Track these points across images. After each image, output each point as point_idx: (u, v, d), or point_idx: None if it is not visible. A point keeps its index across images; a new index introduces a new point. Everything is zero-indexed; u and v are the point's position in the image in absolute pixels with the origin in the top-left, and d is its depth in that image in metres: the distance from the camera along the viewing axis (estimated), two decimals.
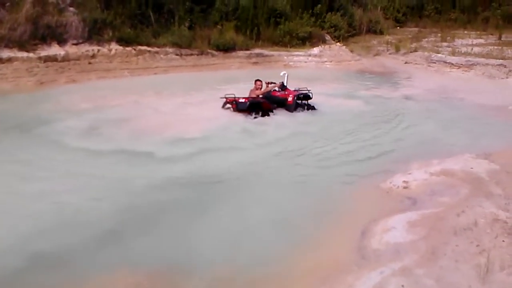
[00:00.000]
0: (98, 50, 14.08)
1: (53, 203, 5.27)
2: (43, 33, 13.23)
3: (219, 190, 5.84)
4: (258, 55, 17.73)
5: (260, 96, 9.71)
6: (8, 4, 13.25)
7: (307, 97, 10.22)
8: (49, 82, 12.25)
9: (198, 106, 10.21)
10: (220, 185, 6.02)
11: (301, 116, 9.72)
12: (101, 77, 13.43)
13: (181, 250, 4.43)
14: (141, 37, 15.33)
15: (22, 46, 12.59)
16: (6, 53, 12.09)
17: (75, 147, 7.15)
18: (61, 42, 13.60)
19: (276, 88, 10.14)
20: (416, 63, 17.64)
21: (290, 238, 4.65)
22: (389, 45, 20.43)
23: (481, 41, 19.56)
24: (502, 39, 19.27)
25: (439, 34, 21.80)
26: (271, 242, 4.58)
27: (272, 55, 18.01)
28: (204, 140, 7.77)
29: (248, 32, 18.30)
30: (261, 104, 9.54)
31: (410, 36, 22.57)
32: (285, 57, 18.13)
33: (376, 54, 19.97)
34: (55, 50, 13.20)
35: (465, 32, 22.31)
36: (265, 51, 18.06)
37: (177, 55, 15.83)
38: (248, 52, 17.61)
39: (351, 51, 19.94)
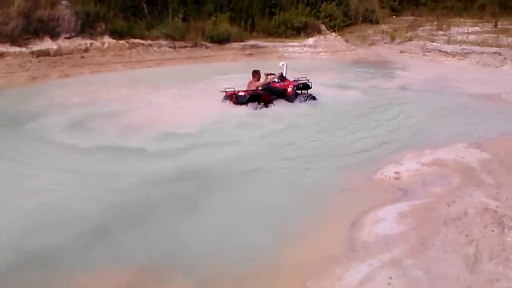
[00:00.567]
0: (91, 44, 14.00)
1: (42, 199, 5.23)
2: (35, 27, 13.13)
3: (211, 185, 5.79)
4: (252, 46, 17.64)
5: (260, 87, 9.65)
6: None
7: (306, 86, 10.17)
8: (41, 77, 12.18)
9: (192, 99, 10.17)
10: (212, 180, 5.96)
11: (297, 107, 9.64)
12: (94, 71, 13.36)
13: (171, 247, 4.40)
14: (134, 29, 15.24)
15: (14, 41, 12.49)
16: None
17: (66, 143, 7.09)
18: (54, 36, 13.51)
19: (276, 79, 10.05)
20: (411, 52, 17.59)
21: (281, 232, 4.63)
22: (384, 35, 20.34)
23: (477, 29, 19.50)
24: (498, 26, 19.22)
25: (435, 23, 21.73)
26: (261, 236, 4.55)
27: (267, 46, 17.93)
28: (198, 134, 7.71)
29: (242, 23, 18.22)
30: (260, 96, 9.50)
31: (405, 25, 22.46)
32: (280, 48, 18.05)
33: (372, 44, 19.89)
34: (47, 44, 13.11)
35: (461, 20, 22.26)
36: (260, 42, 17.99)
37: (170, 47, 15.75)
38: (242, 43, 17.52)
39: (346, 41, 19.87)
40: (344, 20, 22.52)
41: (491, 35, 17.11)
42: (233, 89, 9.25)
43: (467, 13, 23.56)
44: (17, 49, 12.28)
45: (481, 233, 4.04)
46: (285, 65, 10.55)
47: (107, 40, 14.45)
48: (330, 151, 7.04)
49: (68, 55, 13.31)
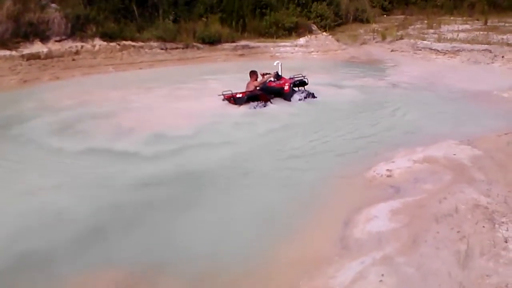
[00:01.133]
0: (82, 46, 13.96)
1: (32, 203, 5.22)
2: (25, 31, 13.07)
3: (204, 187, 5.77)
4: (244, 47, 17.65)
5: (257, 87, 9.71)
6: None
7: (303, 83, 10.29)
8: (32, 80, 12.13)
9: (185, 100, 10.17)
10: (205, 181, 5.93)
11: (291, 107, 9.66)
12: (85, 73, 13.33)
13: (163, 248, 4.39)
14: (125, 32, 15.20)
15: (4, 45, 12.43)
16: None
17: (56, 146, 7.08)
18: (44, 39, 13.45)
19: (272, 79, 10.10)
20: (402, 51, 17.63)
21: (273, 231, 4.63)
22: (375, 34, 20.40)
23: (467, 26, 19.59)
24: (487, 24, 19.30)
25: (425, 21, 21.83)
26: (253, 236, 4.56)
27: (259, 47, 17.95)
28: (191, 135, 7.70)
29: (233, 24, 18.23)
30: (258, 97, 9.57)
31: (396, 24, 22.56)
32: (272, 48, 18.07)
33: (363, 43, 19.94)
34: (37, 47, 13.05)
35: (451, 18, 22.36)
36: (251, 43, 18.00)
37: (162, 49, 15.74)
38: (234, 44, 17.54)
39: (338, 41, 19.90)
40: (335, 20, 22.61)
41: (481, 32, 17.19)
42: (230, 92, 9.33)
43: (457, 11, 23.70)
44: (7, 52, 12.21)
45: (472, 229, 4.05)
46: (280, 64, 10.64)
47: (98, 42, 14.41)
48: (323, 150, 7.04)
49: (59, 58, 13.26)
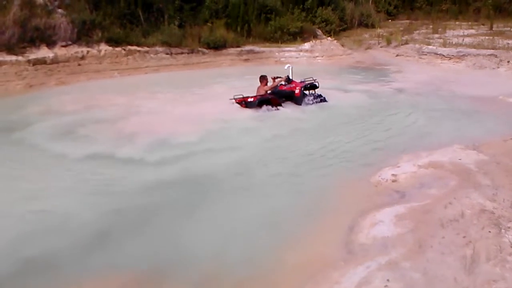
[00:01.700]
0: (88, 52, 14.04)
1: (37, 207, 5.21)
2: (31, 36, 13.17)
3: (209, 191, 5.74)
4: (249, 51, 17.70)
5: (268, 91, 9.78)
6: None
7: (313, 86, 10.32)
8: (38, 85, 12.21)
9: (191, 105, 10.18)
10: (211, 186, 5.91)
11: (300, 111, 9.69)
12: (91, 78, 13.40)
13: (168, 253, 4.38)
14: (130, 37, 15.29)
15: (10, 50, 12.53)
16: None
17: (61, 150, 7.07)
18: (50, 44, 13.55)
19: (283, 82, 10.18)
20: (407, 56, 17.63)
21: (278, 235, 4.62)
22: (380, 38, 20.39)
23: (473, 31, 19.54)
24: (493, 29, 19.25)
25: (431, 26, 21.77)
26: (258, 240, 4.54)
27: (263, 52, 17.99)
28: (197, 140, 7.65)
29: (238, 29, 18.30)
30: (269, 101, 9.64)
31: (401, 28, 22.52)
32: (277, 53, 18.11)
33: (368, 48, 19.94)
34: (44, 52, 13.14)
35: (457, 23, 22.30)
36: (256, 48, 18.05)
37: (167, 54, 15.81)
38: (239, 49, 17.59)
39: (343, 45, 19.93)
40: (340, 25, 22.62)
41: (486, 37, 17.15)
42: (242, 96, 9.39)
43: (462, 16, 23.64)
44: (13, 57, 12.31)
45: (478, 234, 4.03)
46: (291, 68, 10.70)
47: (104, 47, 14.49)
48: (328, 155, 7.02)
49: (64, 63, 13.34)
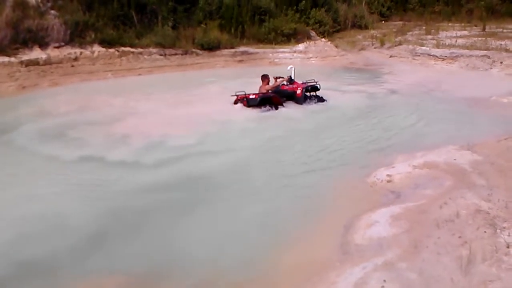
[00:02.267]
0: (81, 53, 13.97)
1: (31, 209, 5.16)
2: (24, 37, 13.07)
3: (205, 193, 5.72)
4: (243, 53, 17.69)
5: (270, 91, 9.88)
6: None
7: (315, 88, 10.44)
8: (31, 86, 12.12)
9: (184, 107, 10.12)
10: (206, 188, 5.88)
11: (298, 112, 9.73)
12: (84, 79, 13.33)
13: (164, 255, 4.35)
14: (124, 38, 15.23)
15: (3, 51, 12.43)
16: None
17: (54, 152, 6.98)
18: (43, 45, 13.46)
19: (285, 82, 10.33)
20: (400, 57, 17.69)
21: (274, 237, 4.60)
22: (374, 40, 20.46)
23: (465, 32, 19.63)
24: (486, 30, 19.35)
25: (424, 27, 21.89)
26: (254, 242, 4.53)
27: (257, 53, 17.99)
28: (192, 141, 7.59)
29: (232, 30, 18.29)
30: (271, 99, 9.73)
31: (394, 30, 22.62)
32: (270, 54, 18.12)
33: (361, 49, 20.00)
34: (36, 54, 13.05)
35: (450, 24, 22.41)
36: (250, 49, 18.05)
37: (161, 55, 15.76)
38: (233, 50, 17.58)
39: (336, 47, 19.98)
40: (334, 26, 22.69)
41: (479, 38, 17.24)
42: (243, 93, 9.46)
43: (455, 17, 23.75)
44: (6, 59, 12.21)
45: (473, 234, 4.03)
46: (293, 69, 10.92)
47: (97, 48, 14.43)
48: (324, 156, 7.01)
49: (57, 64, 13.26)
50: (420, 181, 5.59)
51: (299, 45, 19.04)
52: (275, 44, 18.87)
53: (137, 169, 6.44)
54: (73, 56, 13.74)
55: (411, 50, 17.53)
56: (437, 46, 16.93)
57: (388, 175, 5.83)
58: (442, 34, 19.80)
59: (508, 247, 3.74)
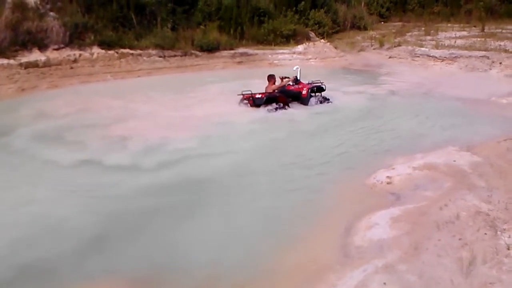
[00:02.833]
0: (80, 55, 13.93)
1: (31, 213, 5.15)
2: (23, 39, 13.03)
3: (206, 194, 5.70)
4: (242, 54, 17.67)
5: (276, 90, 10.00)
6: None
7: (320, 89, 10.58)
8: (30, 88, 12.08)
9: (185, 108, 10.11)
10: (207, 189, 5.86)
11: (300, 113, 9.75)
12: (83, 81, 13.30)
13: (166, 256, 4.36)
14: (123, 40, 15.19)
15: (2, 53, 12.38)
16: None
17: (53, 155, 6.93)
18: (42, 47, 13.41)
19: (290, 82, 10.43)
20: (400, 58, 17.68)
21: (275, 239, 4.60)
22: (373, 41, 20.45)
23: (464, 33, 19.63)
24: (485, 31, 19.35)
25: (423, 28, 21.87)
26: (255, 244, 4.53)
27: (257, 54, 17.97)
28: (191, 144, 7.53)
29: (231, 32, 18.26)
30: (277, 99, 9.87)
31: (394, 30, 22.62)
32: (270, 56, 18.10)
33: (361, 50, 19.99)
34: (36, 56, 13.02)
35: (449, 25, 22.40)
36: (250, 50, 18.02)
37: (160, 57, 15.72)
38: (232, 51, 17.54)
39: (336, 48, 19.99)
40: (333, 27, 22.66)
41: (478, 39, 17.24)
42: (250, 92, 9.61)
43: (454, 18, 23.74)
44: (5, 61, 12.17)
45: (474, 236, 4.04)
46: (299, 69, 10.97)
47: (96, 50, 14.39)
48: (325, 158, 7.01)
49: (57, 66, 13.22)
50: (420, 183, 5.59)
51: (299, 46, 19.04)
52: (274, 45, 18.84)
53: (137, 172, 6.40)
54: (72, 58, 13.70)
55: (410, 51, 17.53)
56: (436, 47, 16.92)
57: (388, 177, 5.83)
58: (441, 35, 19.80)
59: (508, 249, 3.74)
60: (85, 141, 7.71)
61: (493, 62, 14.08)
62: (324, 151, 7.36)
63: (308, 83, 10.50)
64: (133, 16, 15.99)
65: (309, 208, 5.27)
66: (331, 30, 22.30)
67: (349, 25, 24.19)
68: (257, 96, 9.64)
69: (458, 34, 19.33)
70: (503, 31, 18.54)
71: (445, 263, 3.68)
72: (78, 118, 9.12)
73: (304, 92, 10.23)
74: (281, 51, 18.47)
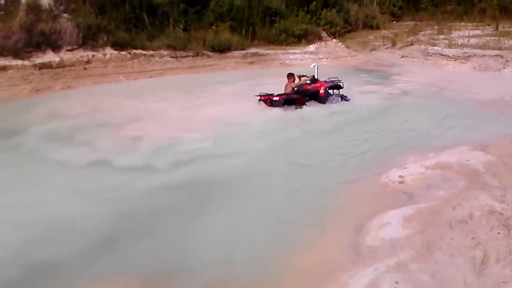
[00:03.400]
0: (93, 56, 14.05)
1: (42, 212, 5.19)
2: (37, 41, 13.18)
3: (215, 195, 5.73)
4: (254, 54, 17.66)
5: (295, 88, 10.16)
6: (1, 12, 13.26)
7: (338, 87, 10.63)
8: (44, 89, 12.21)
9: (198, 109, 10.13)
10: (217, 189, 5.88)
11: (314, 113, 9.78)
12: (96, 82, 13.41)
13: (175, 257, 4.38)
14: (135, 40, 15.29)
15: (16, 54, 12.54)
16: (1, 62, 12.00)
17: (66, 154, 7.00)
18: (56, 48, 13.56)
19: (308, 81, 10.46)
20: (412, 57, 17.54)
21: (285, 238, 4.61)
22: (385, 40, 20.31)
23: (478, 32, 19.42)
24: (499, 29, 19.13)
25: (436, 27, 21.67)
26: (266, 243, 4.54)
27: (268, 54, 17.95)
28: (204, 144, 7.56)
29: (243, 32, 18.28)
30: (294, 100, 10.01)
31: (406, 30, 22.44)
32: (281, 56, 18.07)
33: (373, 49, 19.87)
34: (49, 57, 13.16)
35: (462, 23, 22.18)
36: (261, 50, 18.01)
37: (172, 57, 15.78)
38: (243, 52, 17.55)
39: (347, 47, 19.89)
40: (345, 27, 22.55)
41: (492, 38, 17.04)
42: (267, 93, 9.77)
43: (467, 16, 23.50)
44: (19, 62, 12.32)
45: (487, 235, 4.01)
46: (316, 67, 10.99)
47: (109, 51, 14.50)
48: (336, 157, 7.04)
49: (70, 67, 13.35)
50: (433, 182, 5.56)
51: (310, 46, 18.98)
52: (286, 45, 18.82)
53: (148, 172, 6.44)
54: (85, 59, 13.83)
55: (423, 50, 17.39)
56: (450, 46, 16.75)
57: (400, 176, 5.81)
58: (455, 33, 19.61)
59: None
60: (98, 141, 7.76)
61: (507, 61, 13.90)
62: (337, 151, 7.36)
63: (325, 82, 10.51)
64: (145, 17, 16.09)
65: (321, 208, 5.27)
66: (343, 30, 22.20)
67: (361, 24, 24.07)
68: (275, 98, 9.71)
69: (472, 33, 19.12)
70: None
71: (457, 263, 3.66)
72: (92, 119, 9.19)
73: (321, 91, 10.26)
74: (292, 51, 18.43)
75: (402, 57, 18.00)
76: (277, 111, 9.56)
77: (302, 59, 18.02)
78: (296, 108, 9.84)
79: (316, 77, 10.65)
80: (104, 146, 7.53)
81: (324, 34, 20.71)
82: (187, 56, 16.21)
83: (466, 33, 19.16)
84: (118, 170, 6.52)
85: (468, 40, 17.06)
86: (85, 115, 9.48)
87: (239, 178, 6.28)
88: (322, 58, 18.29)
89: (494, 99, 10.54)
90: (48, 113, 9.61)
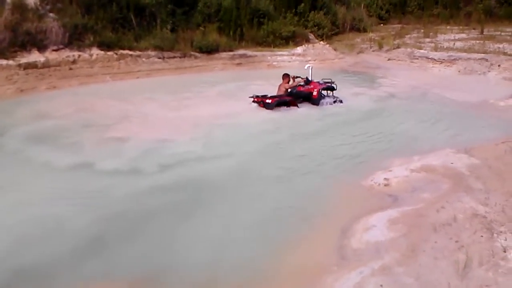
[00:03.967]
0: (79, 56, 13.90)
1: (25, 214, 5.14)
2: (22, 40, 13.01)
3: (203, 198, 5.69)
4: (241, 56, 17.65)
5: (288, 90, 10.19)
6: None
7: (331, 88, 10.70)
8: (29, 89, 12.05)
9: (184, 110, 10.09)
10: (204, 193, 5.83)
11: (304, 115, 9.81)
12: (82, 82, 13.27)
13: (163, 259, 4.35)
14: (122, 41, 15.17)
15: (1, 54, 12.35)
16: None
17: (50, 156, 6.90)
18: (41, 48, 13.39)
19: (302, 83, 10.49)
20: (399, 60, 17.68)
21: (271, 241, 4.60)
22: (372, 43, 20.46)
23: (464, 35, 19.66)
24: (484, 33, 19.37)
25: (422, 30, 21.91)
26: (252, 246, 4.53)
27: (256, 56, 17.95)
28: (191, 146, 7.55)
29: (231, 33, 18.26)
30: (287, 102, 10.07)
31: (393, 33, 22.62)
32: (269, 57, 18.08)
33: (360, 52, 20.01)
34: (35, 56, 13.00)
35: (448, 27, 22.46)
36: (249, 52, 18.00)
37: (159, 58, 15.69)
38: (231, 53, 17.53)
39: (335, 50, 19.99)
40: (332, 29, 22.69)
41: (477, 41, 17.26)
42: (261, 95, 9.79)
43: (453, 20, 23.79)
44: (4, 62, 12.15)
45: (470, 238, 4.05)
46: (310, 68, 11.02)
47: (95, 51, 14.37)
48: (323, 160, 7.02)
49: (56, 67, 13.20)
50: (418, 185, 5.61)
51: (298, 48, 19.03)
52: (273, 47, 18.85)
53: (135, 175, 6.37)
54: (71, 59, 13.68)
55: (409, 53, 17.53)
56: (435, 49, 16.94)
57: (385, 179, 5.85)
58: (440, 37, 19.83)
59: (505, 251, 3.75)
60: (83, 142, 7.68)
61: (491, 64, 14.07)
62: (324, 153, 7.36)
63: (319, 83, 10.56)
64: (132, 17, 15.99)
65: (306, 210, 5.28)
66: (331, 32, 22.33)
67: (348, 27, 24.22)
68: (268, 101, 9.72)
69: (457, 36, 19.35)
70: (502, 33, 18.59)
71: (441, 266, 3.69)
72: (77, 119, 9.10)
73: (314, 93, 10.30)
74: (280, 52, 18.46)
75: (389, 60, 18.13)
76: (267, 112, 9.58)
77: (289, 61, 18.07)
78: (288, 106, 9.94)
79: (310, 79, 10.69)
80: (89, 147, 7.46)
81: (311, 36, 20.80)
82: (174, 57, 16.13)
83: (452, 36, 19.39)
84: (103, 173, 6.43)
85: (454, 44, 17.27)
86: (70, 116, 9.38)
87: (225, 181, 6.24)
88: (309, 60, 18.30)
89: (478, 102, 10.66)
90: (32, 113, 9.48)
